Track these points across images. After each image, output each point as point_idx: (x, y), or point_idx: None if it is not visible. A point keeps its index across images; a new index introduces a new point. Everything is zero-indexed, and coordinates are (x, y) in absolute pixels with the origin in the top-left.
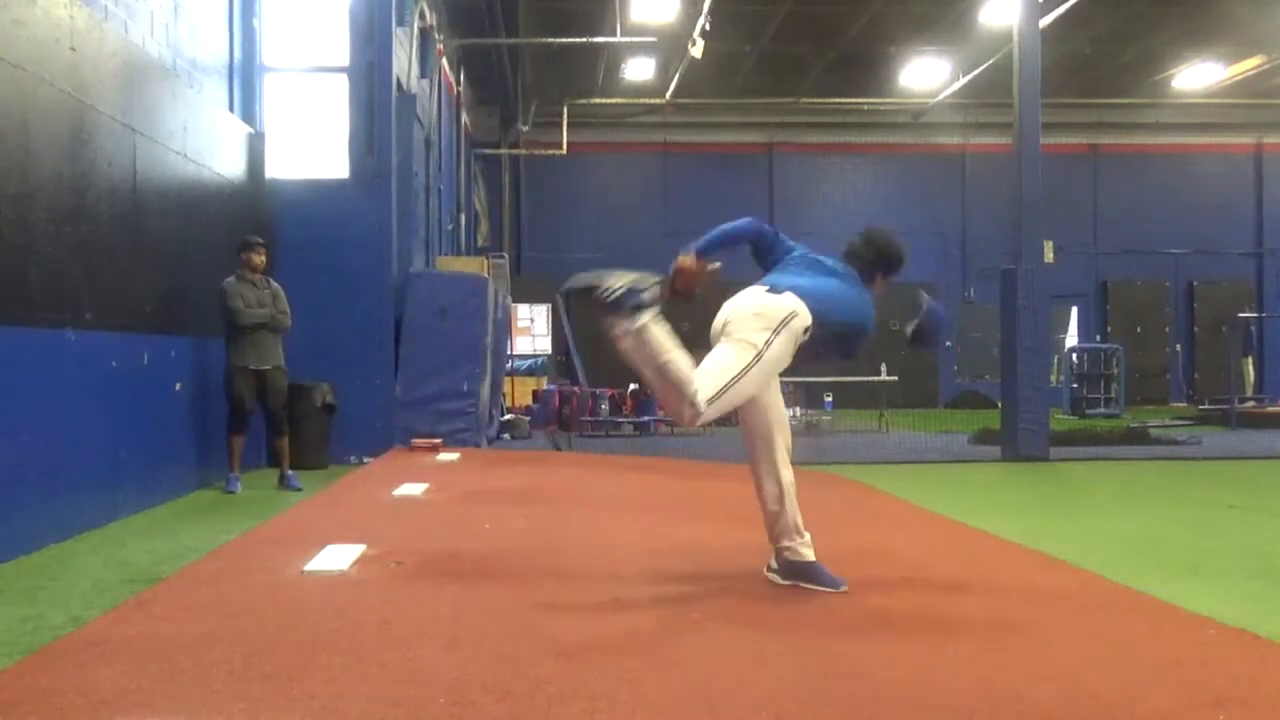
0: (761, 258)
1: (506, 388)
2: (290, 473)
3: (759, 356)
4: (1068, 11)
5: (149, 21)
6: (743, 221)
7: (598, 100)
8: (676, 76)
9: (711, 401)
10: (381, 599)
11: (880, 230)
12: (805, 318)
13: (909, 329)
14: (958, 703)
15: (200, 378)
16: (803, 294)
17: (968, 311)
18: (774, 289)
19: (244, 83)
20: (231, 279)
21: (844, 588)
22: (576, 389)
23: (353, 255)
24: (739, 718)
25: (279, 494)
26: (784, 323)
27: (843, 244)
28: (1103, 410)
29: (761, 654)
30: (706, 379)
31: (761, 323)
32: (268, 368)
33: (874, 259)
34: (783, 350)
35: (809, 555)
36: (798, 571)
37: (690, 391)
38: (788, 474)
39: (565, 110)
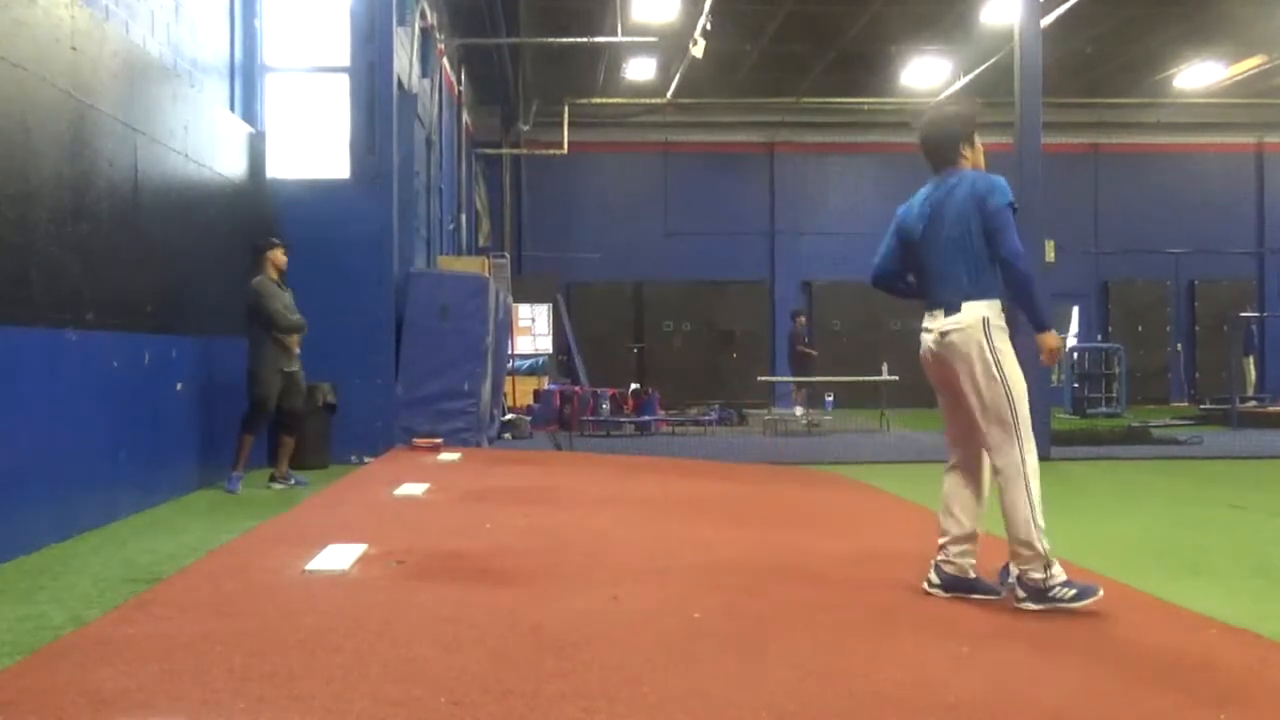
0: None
1: (507, 387)
2: (290, 471)
3: (1002, 383)
4: (1069, 11)
5: (150, 21)
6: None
7: (598, 100)
8: (677, 76)
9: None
10: (382, 599)
11: (927, 117)
12: (985, 307)
13: None
14: (958, 703)
15: (201, 377)
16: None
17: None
18: (950, 309)
19: (245, 82)
20: (262, 278)
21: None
22: (578, 388)
23: (354, 255)
24: (739, 718)
25: (280, 494)
26: (986, 336)
27: (844, 243)
28: (1104, 410)
29: (762, 654)
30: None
31: (980, 365)
32: (295, 369)
33: (945, 144)
34: (1006, 351)
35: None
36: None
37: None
38: None
39: (566, 110)
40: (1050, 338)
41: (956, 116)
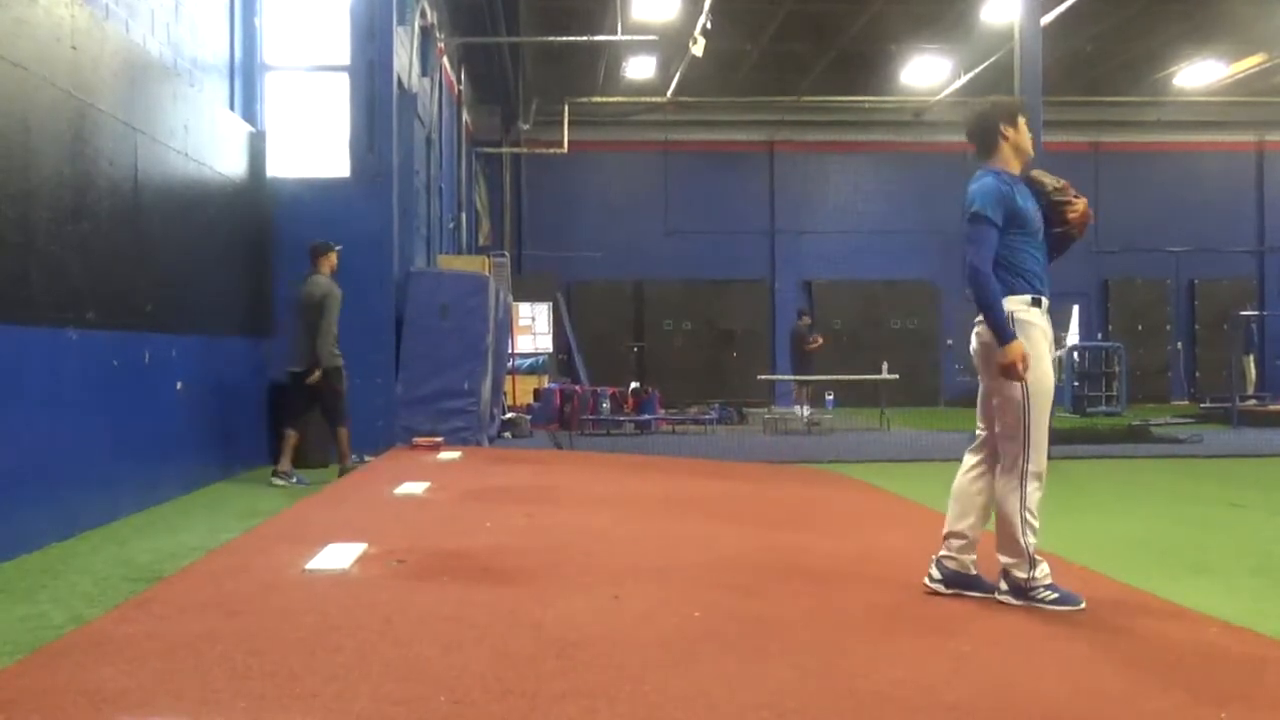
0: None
1: (508, 386)
2: (291, 469)
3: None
4: (1069, 9)
5: (150, 20)
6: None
7: (599, 99)
8: (677, 75)
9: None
10: (383, 598)
11: (970, 113)
12: (1007, 303)
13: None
14: (958, 703)
15: (202, 377)
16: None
17: (969, 310)
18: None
19: (245, 81)
20: (330, 281)
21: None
22: (578, 387)
23: (354, 254)
24: (739, 718)
25: (281, 492)
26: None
27: (845, 243)
28: (1104, 409)
29: (762, 653)
30: None
31: (995, 359)
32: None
33: (983, 130)
34: (1029, 349)
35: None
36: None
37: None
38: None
39: (566, 109)
40: (1007, 351)
41: (994, 102)
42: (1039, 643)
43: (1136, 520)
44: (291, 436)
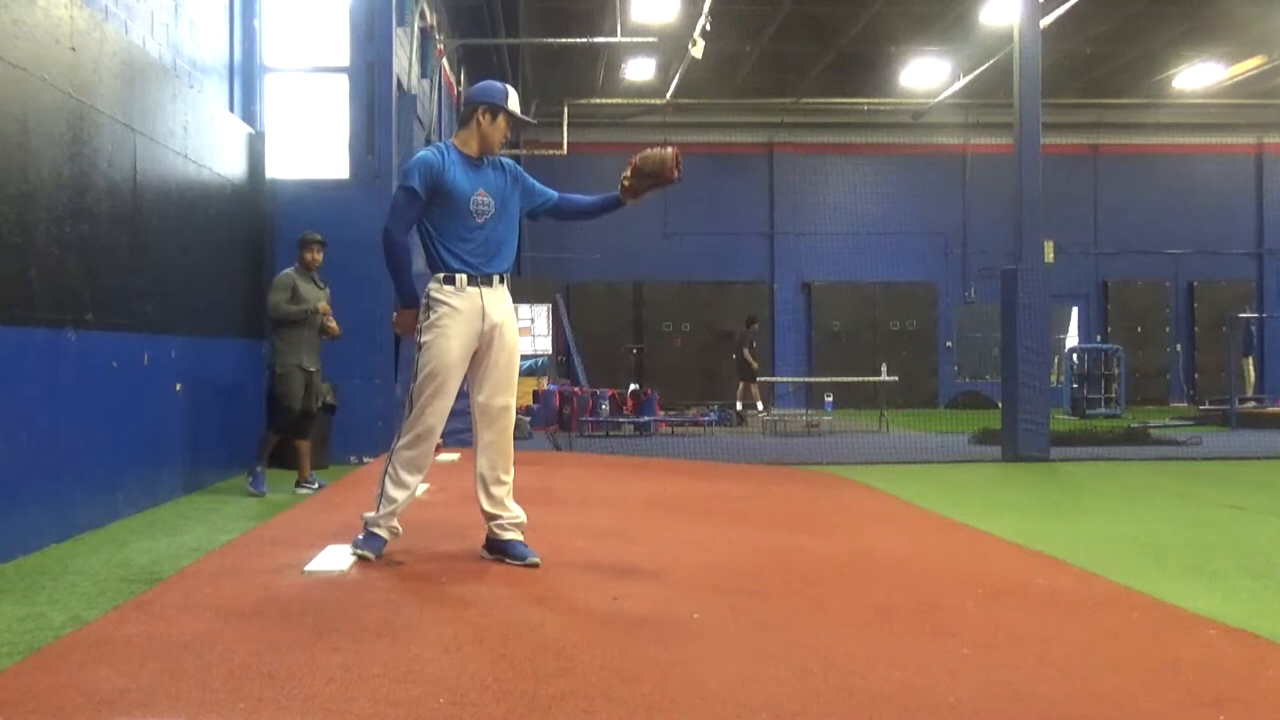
0: None
1: None
2: (311, 474)
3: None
4: (1068, 11)
5: (149, 21)
6: None
7: (598, 100)
8: (677, 77)
9: None
10: (382, 599)
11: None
12: None
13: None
14: (958, 703)
15: (200, 378)
16: None
17: (968, 311)
18: None
19: (244, 83)
20: (290, 270)
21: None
22: (577, 389)
23: (353, 255)
24: (739, 718)
25: (280, 494)
26: None
27: (844, 244)
28: (1103, 410)
29: (762, 654)
30: None
31: None
32: (314, 369)
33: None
34: None
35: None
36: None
37: None
38: None
39: (565, 110)
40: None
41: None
42: (1038, 643)
43: (1135, 522)
44: (300, 445)
